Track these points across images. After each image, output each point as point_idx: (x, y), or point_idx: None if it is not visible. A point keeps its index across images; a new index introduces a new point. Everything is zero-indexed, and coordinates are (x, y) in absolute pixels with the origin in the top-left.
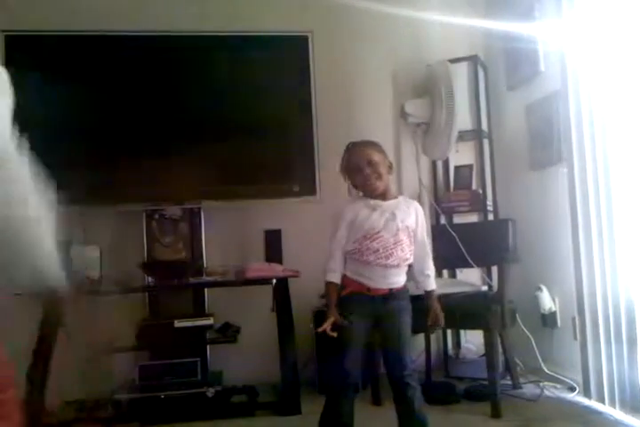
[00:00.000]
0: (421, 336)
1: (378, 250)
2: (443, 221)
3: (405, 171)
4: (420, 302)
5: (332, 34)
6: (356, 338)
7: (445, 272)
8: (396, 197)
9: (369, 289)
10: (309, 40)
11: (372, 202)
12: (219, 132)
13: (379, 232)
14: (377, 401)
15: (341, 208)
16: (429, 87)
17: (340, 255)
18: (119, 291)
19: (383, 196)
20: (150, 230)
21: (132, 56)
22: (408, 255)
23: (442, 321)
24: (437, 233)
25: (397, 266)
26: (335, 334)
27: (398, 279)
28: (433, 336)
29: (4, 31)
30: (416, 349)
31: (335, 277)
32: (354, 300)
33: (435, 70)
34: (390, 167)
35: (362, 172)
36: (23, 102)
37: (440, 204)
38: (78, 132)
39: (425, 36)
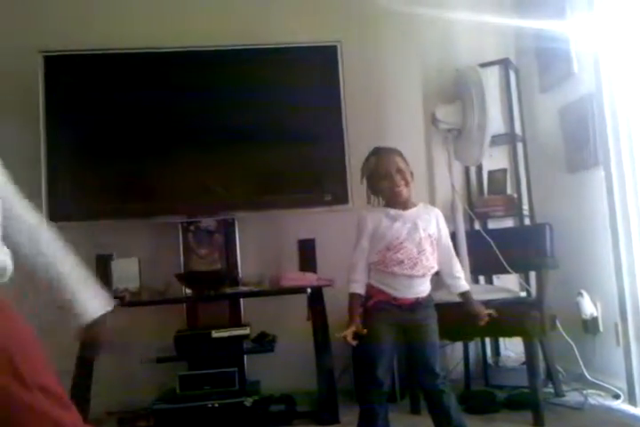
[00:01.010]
0: (460, 345)
1: (402, 261)
2: (477, 226)
3: (438, 177)
4: (454, 310)
5: (361, 42)
6: (385, 348)
7: (482, 279)
8: (415, 206)
9: (395, 299)
10: (338, 49)
11: (393, 212)
12: (250, 144)
13: (402, 243)
14: (416, 410)
15: (362, 218)
16: (460, 92)
17: (363, 266)
18: (158, 302)
19: (404, 205)
20: (186, 242)
21: (167, 71)
22: (433, 264)
23: (493, 312)
24: (472, 239)
25: (423, 276)
26: (355, 343)
27: (424, 288)
28: (471, 344)
29: (42, 52)
30: (454, 357)
31: (358, 288)
32: (381, 309)
33: (465, 75)
34: (412, 177)
35: (390, 178)
36: (63, 119)
37: (474, 209)
38: (116, 147)
39: (454, 40)
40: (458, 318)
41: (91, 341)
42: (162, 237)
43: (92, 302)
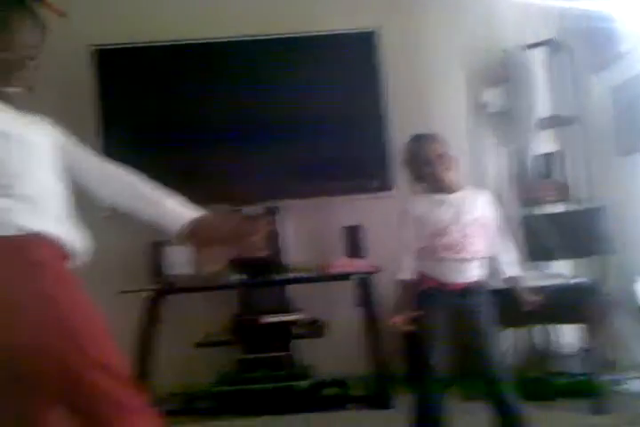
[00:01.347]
0: (516, 331)
1: (449, 245)
2: (527, 212)
3: (485, 162)
4: (504, 296)
5: (402, 26)
6: (438, 333)
7: (535, 265)
8: (462, 189)
9: (445, 284)
10: (377, 35)
11: (437, 197)
12: (294, 131)
13: (447, 227)
14: (470, 397)
15: (405, 204)
16: (506, 74)
17: (410, 253)
18: (209, 288)
19: (449, 189)
20: None
21: (213, 62)
22: (481, 248)
23: (538, 299)
24: (523, 225)
25: (471, 260)
26: (408, 328)
27: (474, 273)
28: (525, 331)
29: (95, 46)
30: (510, 344)
31: (406, 275)
32: (432, 295)
33: (511, 57)
34: (456, 163)
35: (431, 164)
36: (115, 112)
37: (524, 194)
38: (164, 139)
39: (499, 21)
40: (513, 304)
41: (198, 235)
42: None
43: (187, 206)
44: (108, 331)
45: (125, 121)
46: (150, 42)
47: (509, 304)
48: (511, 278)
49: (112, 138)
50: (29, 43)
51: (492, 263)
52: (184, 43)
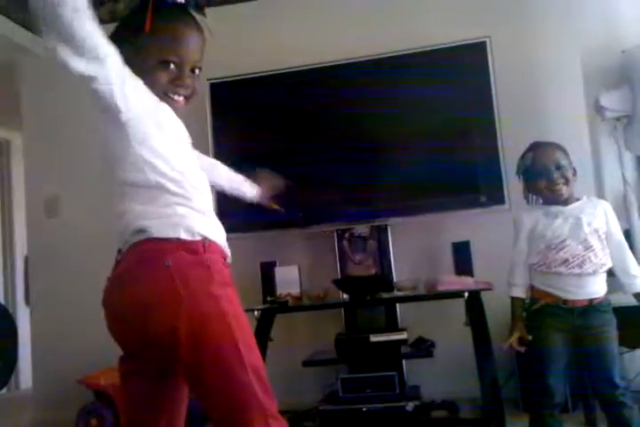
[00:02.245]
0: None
1: (567, 260)
2: None
3: (606, 170)
4: (631, 313)
5: (512, 33)
6: (555, 354)
7: None
8: (578, 200)
9: (565, 301)
10: (489, 45)
11: (553, 208)
12: (402, 148)
13: (564, 241)
14: (591, 423)
15: (518, 217)
16: (627, 76)
17: (523, 268)
18: (318, 307)
19: (565, 201)
20: (342, 249)
21: (316, 85)
22: (604, 260)
23: None
24: None
25: (594, 273)
26: (523, 349)
27: (597, 289)
28: None
29: (209, 80)
30: (635, 366)
31: (519, 292)
32: (548, 313)
33: (632, 56)
34: (575, 174)
35: (548, 175)
36: (228, 139)
37: None
38: (274, 161)
39: (616, 18)
40: (636, 323)
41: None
42: (319, 245)
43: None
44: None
45: (236, 148)
46: (258, 72)
47: (633, 323)
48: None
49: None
50: (197, 55)
51: (616, 277)
52: (293, 70)
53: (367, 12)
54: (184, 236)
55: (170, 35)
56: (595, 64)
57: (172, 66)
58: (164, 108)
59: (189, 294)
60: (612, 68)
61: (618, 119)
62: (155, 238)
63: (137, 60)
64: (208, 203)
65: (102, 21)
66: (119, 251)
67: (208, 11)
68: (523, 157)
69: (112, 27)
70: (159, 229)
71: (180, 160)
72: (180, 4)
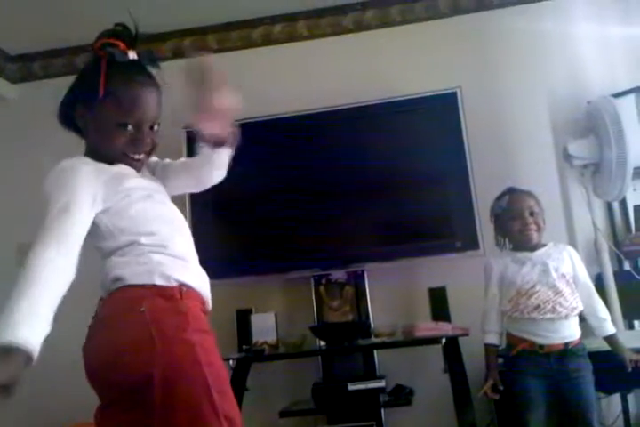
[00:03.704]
0: (617, 397)
1: (539, 305)
2: (627, 266)
3: (576, 216)
4: (606, 358)
5: (482, 84)
6: (534, 401)
7: (637, 324)
8: (544, 246)
9: (541, 347)
10: (458, 95)
11: (520, 255)
12: (378, 195)
13: (534, 286)
14: None
15: (487, 264)
16: (593, 125)
17: (496, 314)
18: (294, 355)
19: (533, 247)
20: (319, 295)
21: (299, 133)
22: (574, 304)
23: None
24: (622, 281)
25: (567, 317)
26: (497, 396)
27: (572, 332)
28: (631, 396)
29: (184, 128)
30: (612, 411)
31: (492, 339)
32: (525, 359)
33: (597, 107)
34: (544, 223)
35: (523, 219)
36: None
37: (621, 248)
38: (249, 208)
39: (582, 72)
40: (612, 367)
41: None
42: (296, 292)
43: None
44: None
45: (215, 192)
46: (241, 119)
47: (609, 367)
48: (612, 336)
49: (200, 209)
50: (154, 112)
51: (586, 321)
52: (267, 118)
53: (342, 62)
54: (159, 282)
55: (125, 97)
56: (562, 114)
57: (129, 127)
58: (123, 173)
59: (164, 340)
60: (578, 118)
61: (586, 167)
62: (131, 285)
63: (93, 121)
64: (188, 249)
65: (58, 74)
66: (101, 299)
67: (182, 62)
68: (498, 198)
69: (69, 80)
70: (134, 276)
71: (150, 214)
72: (134, 60)
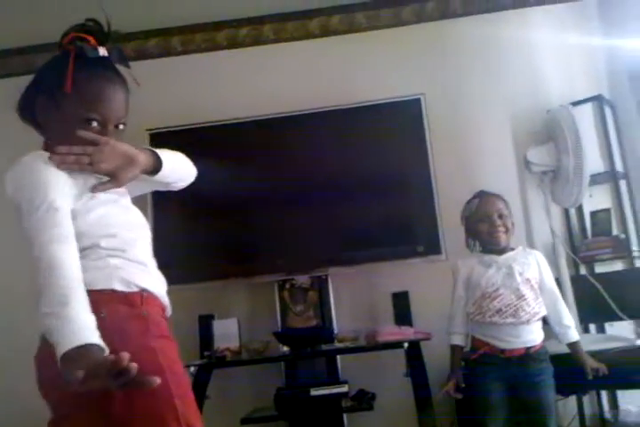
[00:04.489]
0: (573, 400)
1: (500, 309)
2: (583, 271)
3: (535, 221)
4: (565, 361)
5: (445, 92)
6: (495, 404)
7: (593, 327)
8: (513, 250)
9: (502, 351)
10: (422, 102)
11: (487, 258)
12: (341, 199)
13: (497, 290)
14: None
15: (455, 266)
16: (552, 133)
17: (462, 316)
18: (256, 361)
19: (500, 251)
20: (283, 300)
21: (259, 137)
22: (537, 309)
23: (603, 368)
24: (578, 285)
25: (528, 322)
26: (460, 396)
27: (534, 337)
28: (586, 398)
29: (148, 130)
30: (568, 413)
31: (458, 340)
32: (487, 363)
33: (556, 115)
34: (513, 225)
35: (492, 222)
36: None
37: (578, 253)
38: (212, 212)
39: (542, 81)
40: (570, 370)
41: None
42: (259, 297)
43: None
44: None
45: (177, 196)
46: (203, 122)
47: (566, 370)
48: (575, 343)
49: (162, 212)
50: (121, 112)
51: (551, 327)
52: (232, 122)
53: (307, 67)
54: (119, 287)
55: (92, 92)
56: (522, 122)
57: (94, 124)
58: (87, 182)
59: (124, 347)
60: (538, 126)
61: (544, 173)
62: (89, 291)
63: (56, 116)
64: (147, 255)
65: (16, 73)
66: None
67: (145, 63)
68: (469, 202)
69: (27, 79)
70: (92, 281)
71: (113, 219)
72: (103, 57)
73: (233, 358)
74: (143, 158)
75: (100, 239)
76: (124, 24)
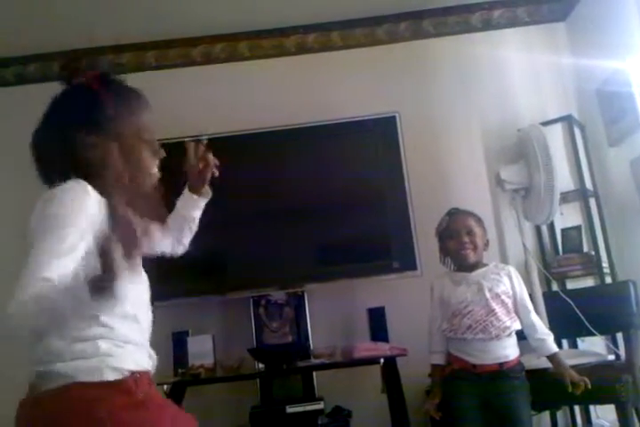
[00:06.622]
0: (546, 415)
1: (470, 325)
2: (555, 287)
3: (508, 238)
4: (540, 376)
5: (419, 109)
6: (469, 419)
7: (565, 343)
8: (485, 266)
9: (474, 366)
10: (397, 119)
11: (458, 275)
12: (317, 216)
13: (467, 306)
14: None
15: (431, 285)
16: (523, 152)
17: (439, 335)
18: (231, 378)
19: (471, 267)
20: (258, 317)
21: (233, 153)
22: (508, 324)
23: (586, 380)
24: (551, 301)
25: (497, 338)
26: (439, 415)
27: (505, 352)
28: (560, 414)
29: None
30: None
31: (437, 359)
32: (460, 378)
33: (527, 134)
34: (487, 244)
35: (459, 239)
36: None
37: (550, 270)
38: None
39: (513, 101)
40: (542, 386)
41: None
42: (234, 313)
43: None
44: None
45: None
46: (174, 138)
47: (538, 386)
48: (553, 355)
49: None
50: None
51: (528, 338)
52: (211, 137)
53: (282, 84)
54: (111, 377)
55: (137, 105)
56: (494, 140)
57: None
58: None
59: None
60: (509, 145)
61: (516, 191)
62: (80, 383)
63: (116, 146)
64: (146, 328)
65: (8, 84)
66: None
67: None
68: (441, 220)
69: (18, 89)
70: (82, 372)
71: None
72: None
73: (207, 375)
74: None
75: (101, 313)
76: (97, 39)
